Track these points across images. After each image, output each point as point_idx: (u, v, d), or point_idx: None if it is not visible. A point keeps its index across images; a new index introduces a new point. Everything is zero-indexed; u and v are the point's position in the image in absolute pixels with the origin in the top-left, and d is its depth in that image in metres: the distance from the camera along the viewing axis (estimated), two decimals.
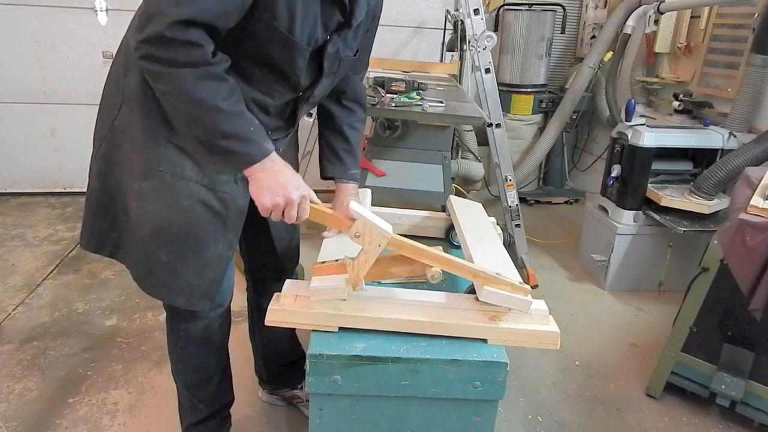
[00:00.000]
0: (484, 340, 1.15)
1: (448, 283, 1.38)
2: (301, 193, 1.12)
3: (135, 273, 1.32)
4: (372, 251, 1.11)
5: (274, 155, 1.10)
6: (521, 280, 1.18)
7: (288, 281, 1.24)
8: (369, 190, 1.72)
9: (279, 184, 1.09)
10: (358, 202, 1.39)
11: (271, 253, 1.57)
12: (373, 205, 1.66)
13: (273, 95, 1.21)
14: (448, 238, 1.64)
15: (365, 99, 1.49)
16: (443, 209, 1.72)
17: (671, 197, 2.61)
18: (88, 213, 1.31)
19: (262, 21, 1.05)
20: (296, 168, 1.61)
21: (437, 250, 1.17)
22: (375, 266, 1.15)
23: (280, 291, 1.21)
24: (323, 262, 1.21)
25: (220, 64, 1.03)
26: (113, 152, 1.24)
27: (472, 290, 1.22)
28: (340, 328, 1.16)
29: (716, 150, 2.69)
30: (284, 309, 1.16)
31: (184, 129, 1.14)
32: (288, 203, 1.11)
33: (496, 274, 1.16)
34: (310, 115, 3.09)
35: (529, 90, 3.99)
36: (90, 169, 1.29)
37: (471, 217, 1.58)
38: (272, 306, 1.16)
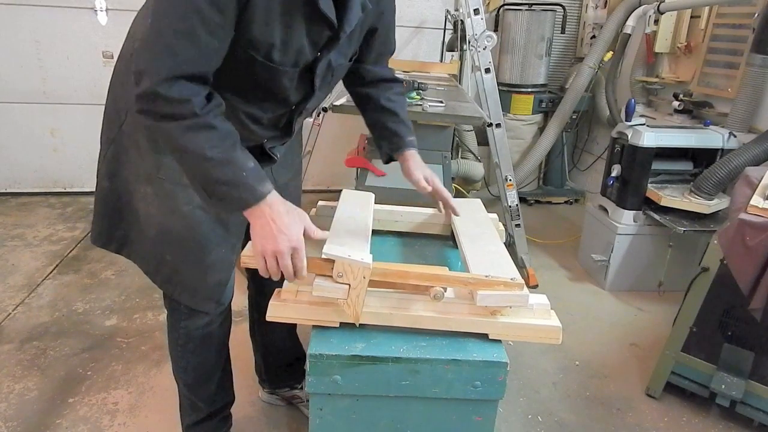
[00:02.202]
0: (486, 335, 1.15)
1: None
2: (291, 244, 1.06)
3: (145, 268, 1.36)
4: (360, 285, 1.11)
5: (271, 199, 1.07)
6: (515, 276, 1.17)
7: None
8: (372, 194, 1.71)
9: (271, 232, 1.06)
10: (423, 167, 1.42)
11: None
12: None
13: (264, 109, 1.21)
14: (453, 237, 1.63)
15: (395, 75, 1.49)
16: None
17: (671, 197, 2.61)
18: (97, 210, 1.35)
19: (240, 50, 1.05)
20: (299, 166, 1.61)
21: (423, 268, 1.17)
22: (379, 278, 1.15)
23: (280, 288, 1.21)
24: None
25: (211, 112, 1.03)
26: (121, 155, 1.27)
27: None
28: (341, 323, 1.16)
29: (716, 150, 2.69)
30: (285, 304, 1.16)
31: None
32: (276, 253, 1.06)
33: (486, 276, 1.15)
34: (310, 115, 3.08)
35: (529, 90, 3.99)
36: (98, 169, 1.33)
37: (468, 217, 1.57)
38: (273, 301, 1.16)
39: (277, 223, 1.06)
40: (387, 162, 1.49)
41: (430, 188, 1.41)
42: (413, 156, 1.42)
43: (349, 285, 1.11)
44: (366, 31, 1.29)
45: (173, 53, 0.97)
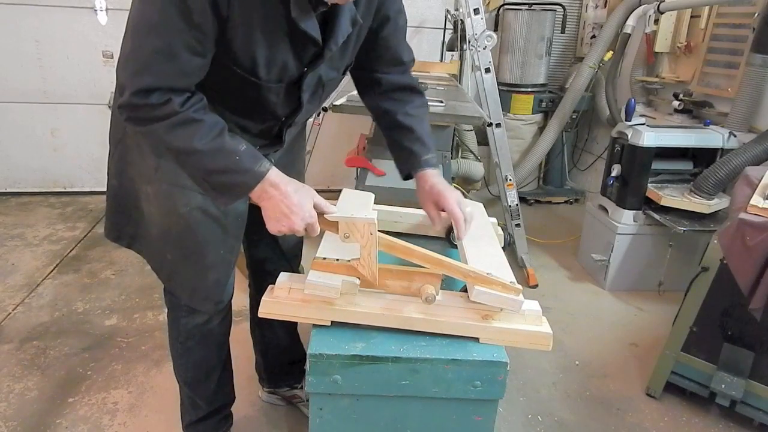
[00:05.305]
0: (476, 339, 1.15)
1: (444, 281, 1.37)
2: (305, 222, 1.09)
3: (151, 264, 1.39)
4: (369, 242, 1.10)
5: (273, 178, 1.08)
6: (513, 280, 1.17)
7: (283, 273, 1.23)
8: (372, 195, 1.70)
9: (283, 213, 1.08)
10: (445, 188, 1.30)
11: (273, 248, 1.58)
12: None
13: (253, 120, 1.22)
14: (449, 238, 1.64)
15: (417, 85, 1.38)
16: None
17: (671, 197, 2.61)
18: (109, 207, 1.38)
19: (223, 66, 1.06)
20: (302, 167, 1.60)
21: (428, 251, 1.17)
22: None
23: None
24: (324, 258, 1.21)
25: (192, 107, 1.03)
26: (126, 155, 1.29)
27: (466, 289, 1.22)
28: (332, 322, 1.16)
29: (716, 150, 2.69)
30: (277, 301, 1.16)
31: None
32: (292, 231, 1.10)
33: (487, 274, 1.15)
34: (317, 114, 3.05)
35: (529, 90, 3.99)
36: (108, 167, 1.35)
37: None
38: (266, 298, 1.16)
39: (288, 204, 1.08)
40: (406, 179, 1.39)
41: (439, 223, 1.33)
42: (431, 176, 1.30)
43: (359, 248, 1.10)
44: (366, 39, 1.26)
45: (151, 71, 0.98)
